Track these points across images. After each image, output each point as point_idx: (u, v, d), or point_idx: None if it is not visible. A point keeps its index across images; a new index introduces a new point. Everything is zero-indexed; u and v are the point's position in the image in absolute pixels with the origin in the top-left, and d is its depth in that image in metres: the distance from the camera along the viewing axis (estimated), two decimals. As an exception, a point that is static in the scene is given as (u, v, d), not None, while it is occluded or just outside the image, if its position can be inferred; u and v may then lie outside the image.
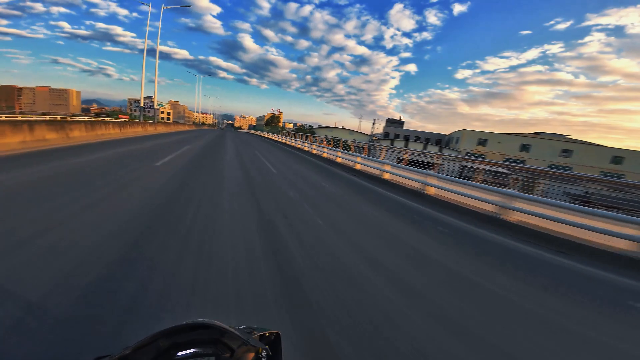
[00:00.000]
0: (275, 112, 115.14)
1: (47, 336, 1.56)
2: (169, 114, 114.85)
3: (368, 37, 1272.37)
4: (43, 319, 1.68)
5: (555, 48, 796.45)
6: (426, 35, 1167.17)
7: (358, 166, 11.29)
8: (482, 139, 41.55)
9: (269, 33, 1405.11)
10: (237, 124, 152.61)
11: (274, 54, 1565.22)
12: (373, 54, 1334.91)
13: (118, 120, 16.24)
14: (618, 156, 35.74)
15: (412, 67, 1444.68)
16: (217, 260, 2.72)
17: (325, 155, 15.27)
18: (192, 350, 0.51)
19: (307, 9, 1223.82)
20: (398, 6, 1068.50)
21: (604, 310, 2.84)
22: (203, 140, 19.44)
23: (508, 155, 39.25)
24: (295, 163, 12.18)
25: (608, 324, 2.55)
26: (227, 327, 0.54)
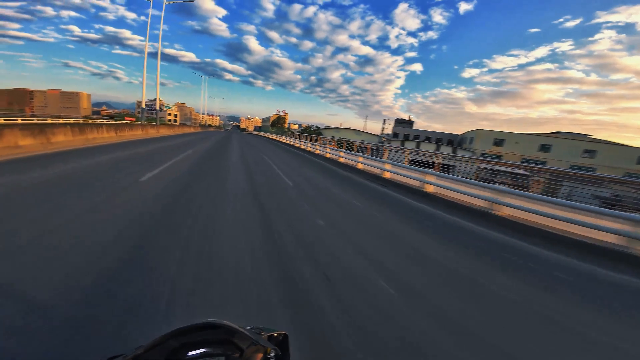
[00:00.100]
0: (281, 113, 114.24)
1: None
2: (175, 115, 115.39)
3: (372, 37, 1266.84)
4: None
5: (564, 46, 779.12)
6: (432, 34, 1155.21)
7: (387, 175, 9.46)
8: (498, 139, 39.50)
9: (273, 35, 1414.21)
10: (242, 126, 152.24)
11: (278, 56, 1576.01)
12: (378, 54, 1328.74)
13: (114, 122, 15.23)
14: (646, 156, 33.34)
15: (417, 67, 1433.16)
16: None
17: (342, 160, 13.49)
18: (203, 350, 0.51)
19: (311, 10, 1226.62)
20: (403, 5, 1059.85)
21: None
22: (207, 144, 18.28)
23: (526, 156, 37.22)
24: (311, 172, 10.29)
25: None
26: (237, 327, 0.54)
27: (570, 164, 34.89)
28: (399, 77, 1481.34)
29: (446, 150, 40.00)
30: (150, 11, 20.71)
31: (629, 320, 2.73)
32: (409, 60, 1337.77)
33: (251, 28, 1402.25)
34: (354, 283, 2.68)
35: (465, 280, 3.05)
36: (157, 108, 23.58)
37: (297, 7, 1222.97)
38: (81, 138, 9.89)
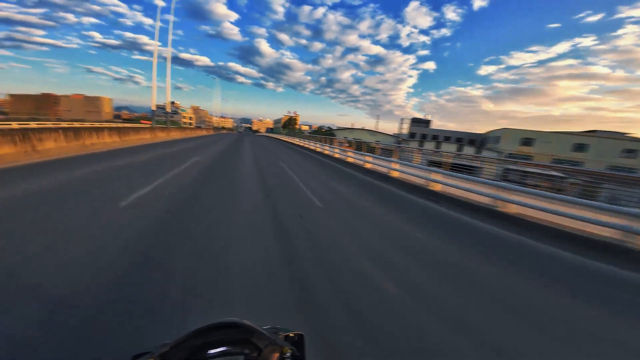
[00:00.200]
0: (292, 114, 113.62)
1: None
2: (190, 118, 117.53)
3: (383, 36, 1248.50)
4: None
5: (587, 41, 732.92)
6: (445, 31, 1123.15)
7: (437, 187, 7.47)
8: (527, 139, 36.56)
9: (283, 37, 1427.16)
10: (254, 127, 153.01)
11: (289, 58, 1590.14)
12: (389, 53, 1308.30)
13: (115, 126, 14.48)
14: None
15: (430, 65, 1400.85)
16: None
17: (369, 166, 11.53)
18: (223, 348, 0.52)
19: (320, 11, 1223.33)
20: (414, 4, 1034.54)
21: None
22: (218, 147, 17.27)
23: (560, 157, 34.16)
24: (341, 185, 8.19)
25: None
26: (256, 327, 0.55)
27: (607, 165, 31.76)
28: (411, 76, 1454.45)
29: (469, 151, 37.42)
30: (158, 15, 20.11)
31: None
32: (422, 59, 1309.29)
33: (262, 31, 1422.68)
34: None
35: None
36: (168, 110, 22.91)
37: (307, 8, 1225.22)
38: (76, 144, 8.92)
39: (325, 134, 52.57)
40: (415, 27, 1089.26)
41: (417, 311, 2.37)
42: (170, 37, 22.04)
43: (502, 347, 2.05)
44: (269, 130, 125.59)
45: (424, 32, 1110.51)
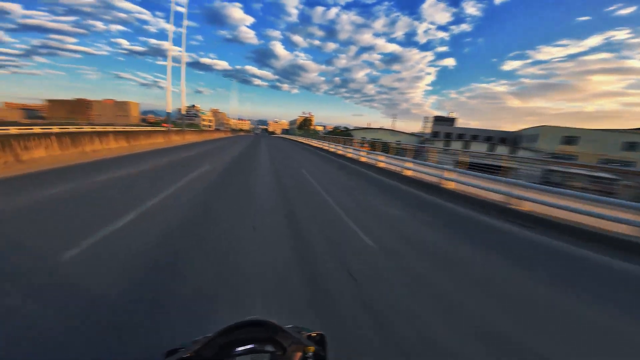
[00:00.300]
0: (307, 115, 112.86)
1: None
2: (210, 121, 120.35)
3: (399, 33, 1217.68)
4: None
5: (621, 34, 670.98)
6: (464, 27, 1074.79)
7: (527, 206, 5.49)
8: (570, 137, 32.84)
9: (297, 39, 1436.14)
10: (270, 129, 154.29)
11: (302, 59, 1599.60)
12: (405, 51, 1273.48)
13: (125, 130, 13.83)
14: None
15: (449, 62, 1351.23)
16: None
17: (410, 173, 9.58)
18: (250, 345, 0.53)
19: (333, 11, 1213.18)
20: (430, 0, 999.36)
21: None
22: (234, 151, 16.22)
23: (608, 156, 30.31)
24: (390, 206, 5.77)
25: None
26: (281, 326, 0.56)
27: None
28: (429, 74, 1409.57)
29: (503, 150, 34.25)
30: (172, 19, 19.59)
31: None
32: (440, 55, 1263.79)
33: (277, 34, 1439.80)
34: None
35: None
36: (183, 112, 22.40)
37: (320, 9, 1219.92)
38: (73, 152, 8.03)
39: (341, 134, 50.87)
40: (432, 23, 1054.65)
41: None
42: (184, 41, 21.65)
43: None
44: (284, 131, 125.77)
45: (442, 28, 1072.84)
